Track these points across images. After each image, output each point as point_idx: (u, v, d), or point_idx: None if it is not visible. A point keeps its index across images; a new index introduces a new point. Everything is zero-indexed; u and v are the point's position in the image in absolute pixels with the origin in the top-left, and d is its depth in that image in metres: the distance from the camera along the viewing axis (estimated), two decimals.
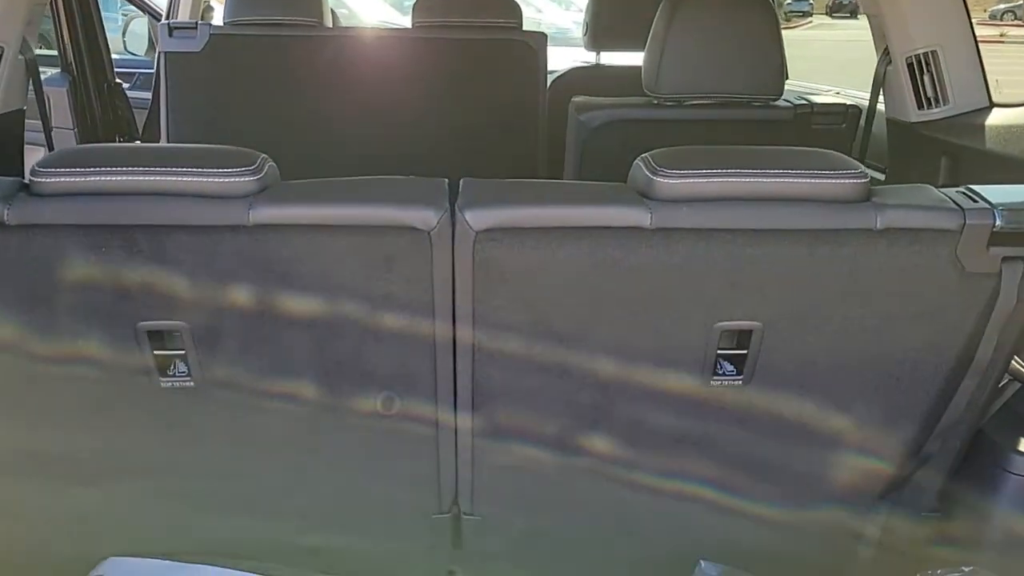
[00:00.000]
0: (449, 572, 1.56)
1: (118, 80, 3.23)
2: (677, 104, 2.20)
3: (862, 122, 2.34)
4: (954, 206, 1.20)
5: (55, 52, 3.05)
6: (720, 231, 1.20)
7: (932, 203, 1.21)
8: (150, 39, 4.29)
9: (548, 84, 3.04)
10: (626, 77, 2.72)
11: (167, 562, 1.50)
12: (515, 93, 2.88)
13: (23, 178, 1.21)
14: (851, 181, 1.19)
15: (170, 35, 2.80)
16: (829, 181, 1.19)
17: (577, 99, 2.33)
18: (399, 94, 2.81)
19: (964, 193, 1.23)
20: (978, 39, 2.04)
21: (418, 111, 2.81)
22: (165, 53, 2.81)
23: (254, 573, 1.48)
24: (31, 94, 2.15)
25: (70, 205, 1.17)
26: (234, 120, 2.78)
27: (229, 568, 1.49)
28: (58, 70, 3.03)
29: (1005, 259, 1.21)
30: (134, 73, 3.77)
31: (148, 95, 3.18)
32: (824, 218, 1.19)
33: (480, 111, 2.84)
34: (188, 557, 1.50)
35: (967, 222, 1.19)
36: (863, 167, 1.22)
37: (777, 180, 1.19)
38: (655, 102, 2.21)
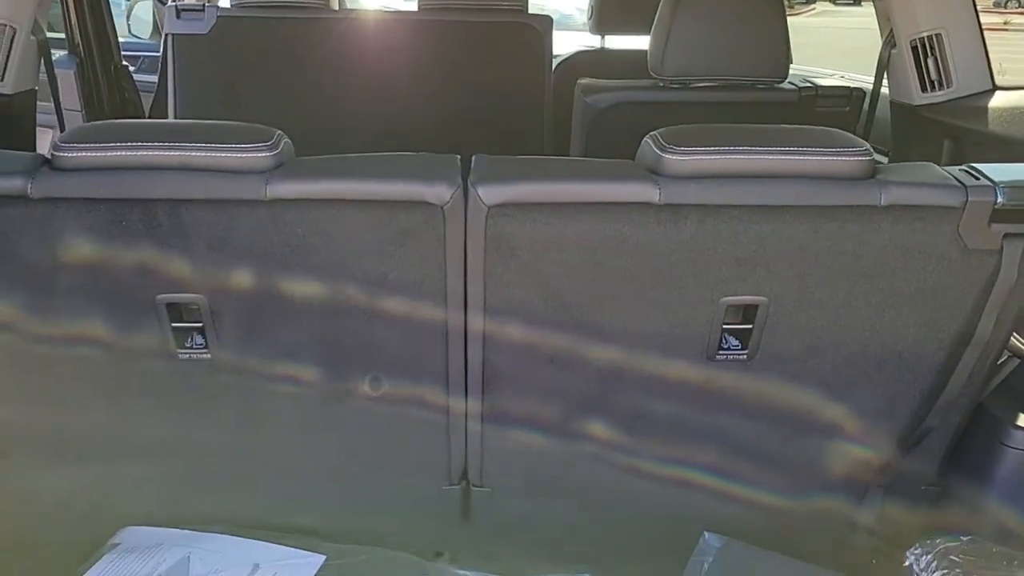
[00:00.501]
0: (436, 553, 1.58)
1: (124, 62, 3.25)
2: (683, 86, 2.23)
3: (866, 105, 2.36)
4: (957, 183, 1.23)
5: (62, 35, 3.06)
6: (727, 207, 1.22)
7: (935, 180, 1.23)
8: (154, 23, 4.30)
9: (553, 68, 3.05)
10: (631, 61, 2.74)
11: (181, 531, 1.54)
12: (521, 75, 2.90)
13: None
14: (856, 159, 1.22)
15: (177, 17, 2.81)
16: (834, 159, 1.22)
17: (583, 81, 2.35)
18: (405, 76, 2.82)
19: (966, 171, 1.26)
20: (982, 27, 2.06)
21: (424, 93, 2.82)
22: (172, 35, 2.83)
23: (265, 541, 1.52)
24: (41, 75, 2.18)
25: (91, 179, 1.19)
26: (241, 102, 2.80)
27: (240, 536, 1.53)
28: (65, 52, 3.04)
29: (1006, 236, 1.24)
30: (139, 56, 3.78)
31: (152, 78, 3.20)
32: (829, 195, 1.22)
33: (486, 93, 2.85)
34: (201, 527, 1.55)
35: (969, 199, 1.21)
36: (868, 145, 1.25)
37: (783, 157, 1.22)
38: (661, 84, 2.23)
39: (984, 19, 2.08)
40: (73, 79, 3.02)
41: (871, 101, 2.29)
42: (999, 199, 1.21)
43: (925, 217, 1.23)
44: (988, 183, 1.22)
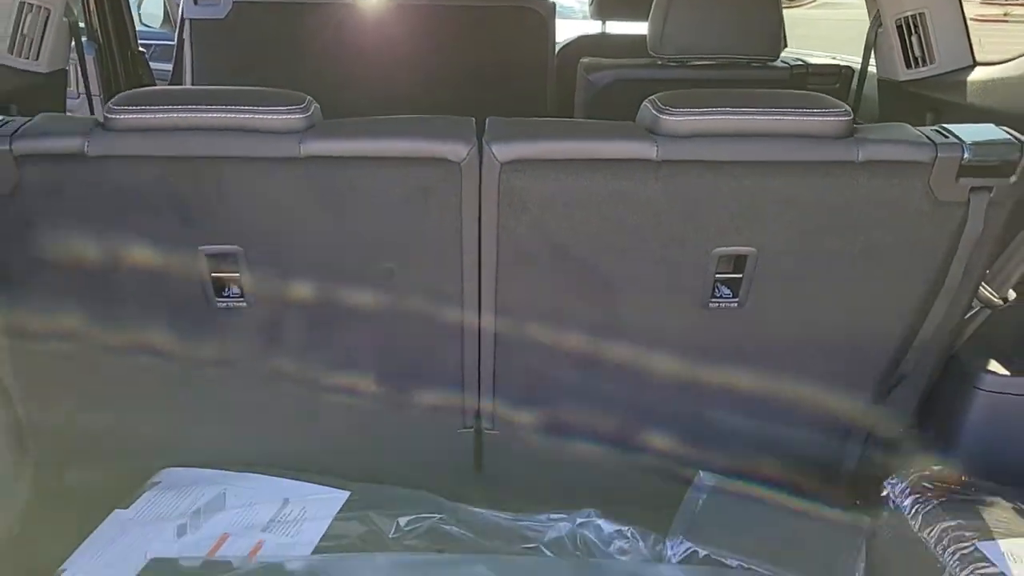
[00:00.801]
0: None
1: (141, 48, 3.36)
2: (680, 64, 2.35)
3: (854, 84, 2.48)
4: (927, 141, 1.34)
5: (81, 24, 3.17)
6: (720, 163, 1.34)
7: (907, 138, 1.35)
8: (165, 12, 4.42)
9: (556, 52, 3.17)
10: (630, 45, 2.86)
11: (217, 471, 1.66)
12: (525, 59, 3.02)
13: None
14: (836, 119, 1.34)
15: (195, 3, 2.93)
16: (817, 118, 1.34)
17: (585, 60, 2.47)
18: (415, 60, 2.94)
19: (937, 131, 1.38)
20: (982, 18, 2.17)
21: (433, 77, 2.94)
22: (190, 20, 2.94)
23: (295, 480, 1.65)
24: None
25: (141, 139, 1.31)
26: (256, 85, 2.91)
27: (271, 476, 1.66)
28: (84, 38, 3.16)
29: (973, 189, 1.36)
30: (150, 45, 3.90)
31: (163, 65, 3.32)
32: (812, 151, 1.34)
33: (492, 77, 2.97)
34: (235, 467, 1.67)
35: (939, 155, 1.33)
36: (847, 107, 1.37)
37: (771, 117, 1.34)
38: (659, 63, 2.36)
39: (982, 11, 2.20)
40: (92, 64, 3.14)
41: (859, 79, 2.41)
42: (966, 155, 1.33)
43: (899, 172, 1.35)
44: (956, 141, 1.34)
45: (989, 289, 1.57)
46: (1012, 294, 1.58)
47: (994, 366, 1.59)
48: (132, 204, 1.35)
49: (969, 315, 1.60)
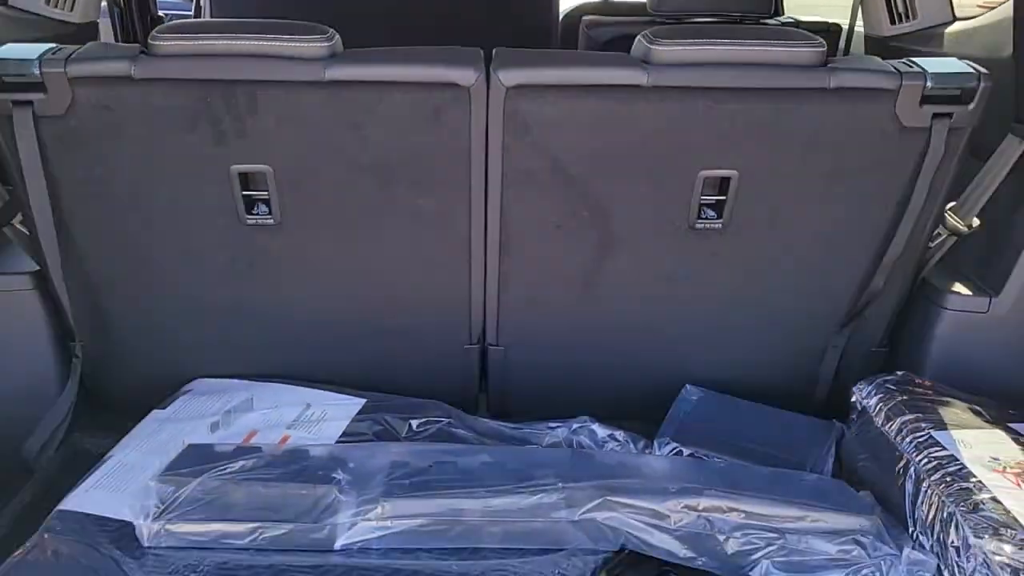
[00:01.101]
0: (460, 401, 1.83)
1: (160, 14, 3.50)
2: (677, 21, 2.48)
3: (842, 43, 2.61)
4: (894, 71, 1.48)
5: None
6: (704, 89, 1.48)
7: (876, 67, 1.49)
8: None
9: (560, 18, 3.29)
10: (629, 10, 2.98)
11: (244, 381, 1.81)
12: (531, 23, 3.14)
13: None
14: (810, 49, 1.48)
15: None
16: (793, 49, 1.48)
17: (588, 17, 2.61)
18: (422, 23, 3.06)
19: (904, 63, 1.51)
20: (983, 4, 2.30)
21: (439, 38, 3.05)
22: None
23: (314, 389, 1.79)
24: None
25: (182, 64, 1.45)
26: None
27: (293, 384, 1.80)
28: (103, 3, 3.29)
29: (935, 116, 1.50)
30: (169, 14, 4.04)
31: None
32: (789, 79, 1.48)
33: (498, 40, 3.09)
34: (260, 379, 1.82)
35: (903, 83, 1.47)
36: (820, 39, 1.50)
37: (751, 48, 1.48)
38: (658, 21, 2.49)
39: None
40: (111, 27, 3.28)
41: (847, 37, 2.54)
42: (928, 84, 1.47)
43: (867, 98, 1.48)
44: (920, 71, 1.48)
45: (955, 217, 1.71)
46: (976, 222, 1.71)
47: (958, 287, 1.74)
48: (172, 124, 1.49)
49: (937, 242, 1.74)
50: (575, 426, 1.72)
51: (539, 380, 1.85)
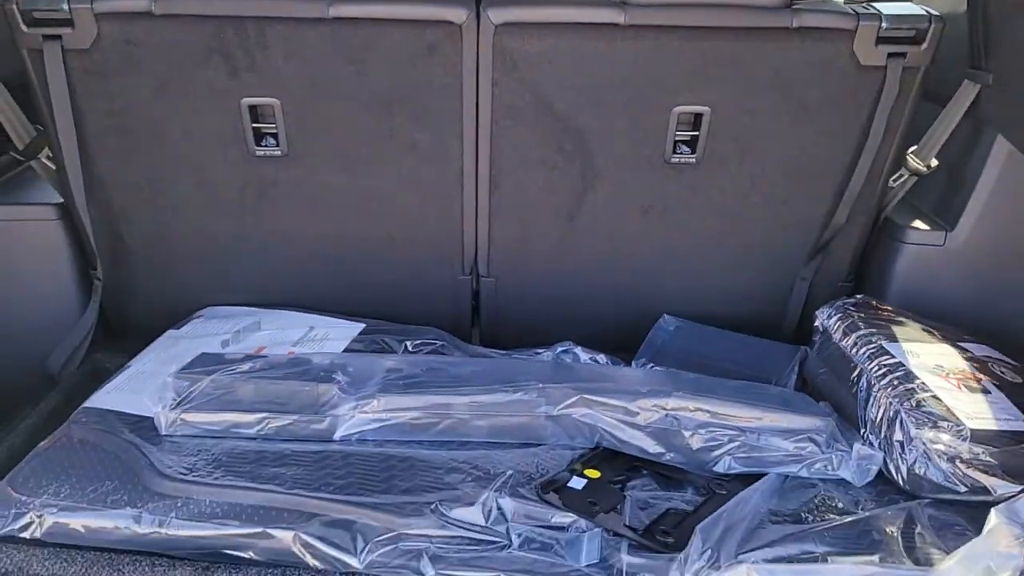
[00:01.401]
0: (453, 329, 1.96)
1: None
2: None
3: None
4: (851, 12, 1.61)
5: None
6: (677, 28, 1.61)
7: (835, 9, 1.62)
8: None
9: None
10: None
11: (251, 308, 1.95)
12: None
13: None
14: None
15: None
16: None
17: None
18: None
19: (863, 5, 1.64)
20: None
21: None
22: None
23: (321, 315, 1.93)
24: None
25: (198, 0, 1.59)
26: None
27: (301, 311, 1.94)
28: None
29: (890, 55, 1.62)
30: None
31: None
32: (756, 19, 1.60)
33: None
34: (267, 306, 1.95)
35: (860, 24, 1.60)
36: None
37: None
38: None
39: None
40: None
41: None
42: (884, 24, 1.60)
43: (827, 38, 1.61)
44: (875, 12, 1.61)
45: (916, 159, 1.84)
46: (935, 162, 1.84)
47: (917, 223, 1.86)
48: (188, 58, 1.63)
49: (900, 182, 1.87)
50: (560, 349, 1.85)
51: (528, 311, 1.98)
